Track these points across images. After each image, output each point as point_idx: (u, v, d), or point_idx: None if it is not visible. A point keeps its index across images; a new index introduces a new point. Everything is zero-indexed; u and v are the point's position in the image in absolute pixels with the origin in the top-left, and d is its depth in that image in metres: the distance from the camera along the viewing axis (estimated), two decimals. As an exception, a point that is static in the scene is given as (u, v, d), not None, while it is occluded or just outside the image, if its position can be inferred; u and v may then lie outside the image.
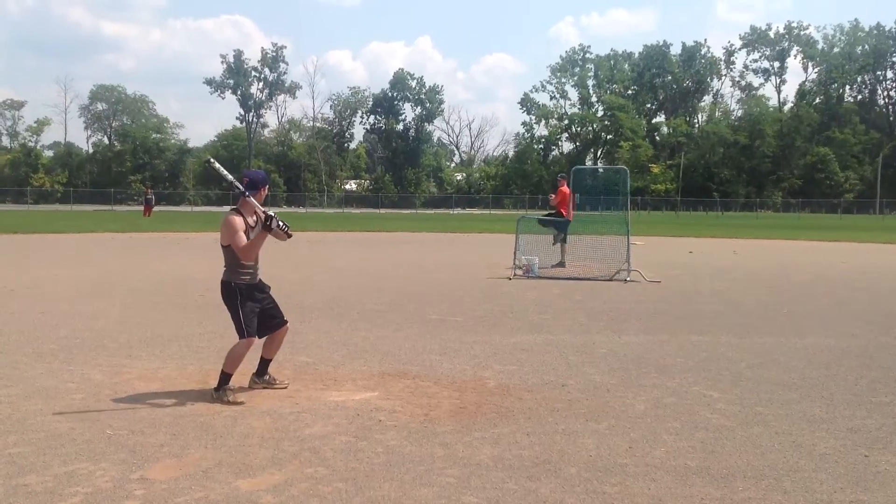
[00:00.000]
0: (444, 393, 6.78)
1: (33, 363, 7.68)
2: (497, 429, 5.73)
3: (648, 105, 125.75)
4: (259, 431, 5.58)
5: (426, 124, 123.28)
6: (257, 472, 4.79)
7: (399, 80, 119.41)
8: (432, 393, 6.77)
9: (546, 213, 19.61)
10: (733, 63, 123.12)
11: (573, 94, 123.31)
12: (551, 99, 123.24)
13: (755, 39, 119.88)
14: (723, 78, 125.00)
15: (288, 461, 4.98)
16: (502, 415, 6.11)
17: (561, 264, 18.12)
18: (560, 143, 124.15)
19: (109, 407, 6.17)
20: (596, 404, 6.47)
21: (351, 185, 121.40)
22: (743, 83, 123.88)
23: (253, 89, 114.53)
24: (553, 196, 19.13)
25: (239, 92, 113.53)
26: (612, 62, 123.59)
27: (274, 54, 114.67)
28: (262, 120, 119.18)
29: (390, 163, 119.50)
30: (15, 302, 11.97)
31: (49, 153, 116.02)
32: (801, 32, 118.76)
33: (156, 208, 55.13)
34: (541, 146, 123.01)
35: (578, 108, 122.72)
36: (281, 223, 6.35)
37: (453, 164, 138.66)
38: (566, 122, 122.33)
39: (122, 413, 6.00)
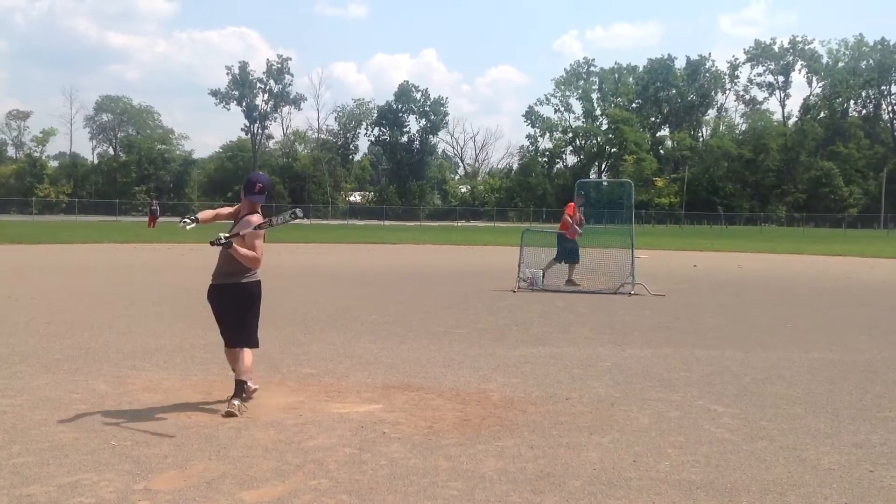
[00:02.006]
0: (448, 405, 6.78)
1: (38, 373, 7.69)
2: (501, 442, 5.72)
3: (653, 118, 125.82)
4: (263, 443, 5.58)
5: (431, 136, 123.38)
6: (261, 483, 4.78)
7: (404, 92, 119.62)
8: (436, 405, 6.77)
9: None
10: (737, 77, 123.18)
11: (577, 108, 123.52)
12: (556, 112, 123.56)
13: (759, 54, 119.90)
14: (727, 92, 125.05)
15: (292, 473, 4.97)
16: (506, 428, 6.10)
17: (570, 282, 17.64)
18: (564, 156, 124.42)
19: (113, 417, 6.17)
20: (600, 418, 6.46)
21: (355, 197, 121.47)
22: (747, 97, 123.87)
23: (258, 101, 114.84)
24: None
25: (244, 103, 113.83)
26: (616, 75, 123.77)
27: (279, 66, 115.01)
28: (267, 131, 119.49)
29: (394, 175, 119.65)
30: (19, 312, 11.99)
31: (54, 164, 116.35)
32: (806, 47, 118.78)
33: (160, 219, 55.16)
34: (545, 159, 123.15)
35: (583, 122, 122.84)
36: (223, 238, 6.35)
37: (457, 177, 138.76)
38: (570, 135, 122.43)
39: (126, 424, 6.00)
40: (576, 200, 18.23)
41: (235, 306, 6.64)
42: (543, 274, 17.40)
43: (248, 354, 6.54)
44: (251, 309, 6.72)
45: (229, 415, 6.23)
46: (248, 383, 6.59)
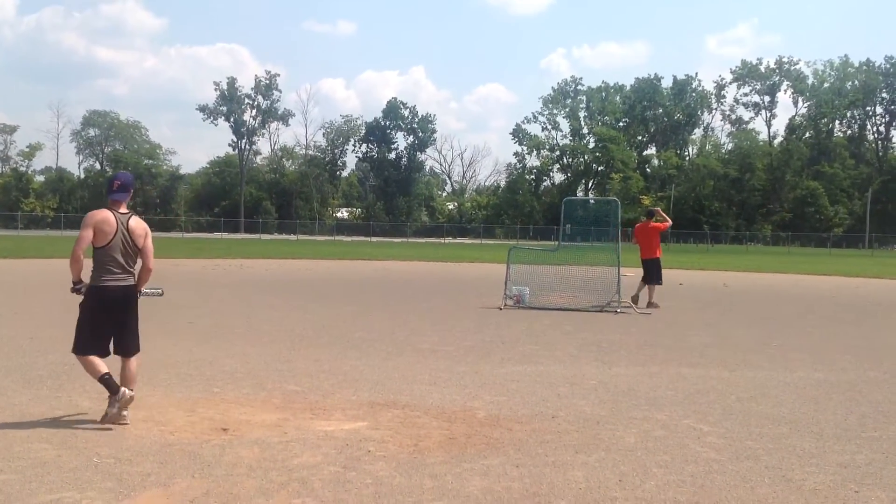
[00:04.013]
0: (433, 423, 6.75)
1: (21, 389, 7.63)
2: (486, 460, 5.70)
3: (639, 137, 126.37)
4: (247, 461, 5.54)
5: (418, 153, 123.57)
6: (245, 502, 4.74)
7: (392, 109, 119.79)
8: (422, 423, 6.75)
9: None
10: (724, 97, 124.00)
11: (565, 126, 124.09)
12: (543, 130, 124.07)
13: (746, 74, 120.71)
14: (713, 111, 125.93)
15: (276, 491, 4.94)
16: (492, 446, 6.08)
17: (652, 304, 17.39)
18: (551, 173, 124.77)
19: (96, 435, 6.12)
20: (586, 436, 6.45)
21: (342, 213, 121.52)
22: (733, 117, 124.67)
23: (246, 116, 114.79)
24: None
25: (232, 119, 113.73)
26: (603, 94, 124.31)
27: (267, 82, 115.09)
28: (254, 147, 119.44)
29: (382, 191, 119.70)
30: (3, 327, 11.90)
31: (40, 178, 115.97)
32: (792, 67, 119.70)
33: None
34: (532, 176, 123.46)
35: (570, 140, 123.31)
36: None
37: (445, 194, 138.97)
38: (558, 152, 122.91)
39: (109, 441, 5.95)
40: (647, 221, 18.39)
41: (132, 309, 6.84)
42: (650, 302, 17.35)
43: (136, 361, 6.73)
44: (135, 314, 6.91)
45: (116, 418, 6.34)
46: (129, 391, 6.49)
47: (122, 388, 6.40)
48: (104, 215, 6.47)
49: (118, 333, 6.68)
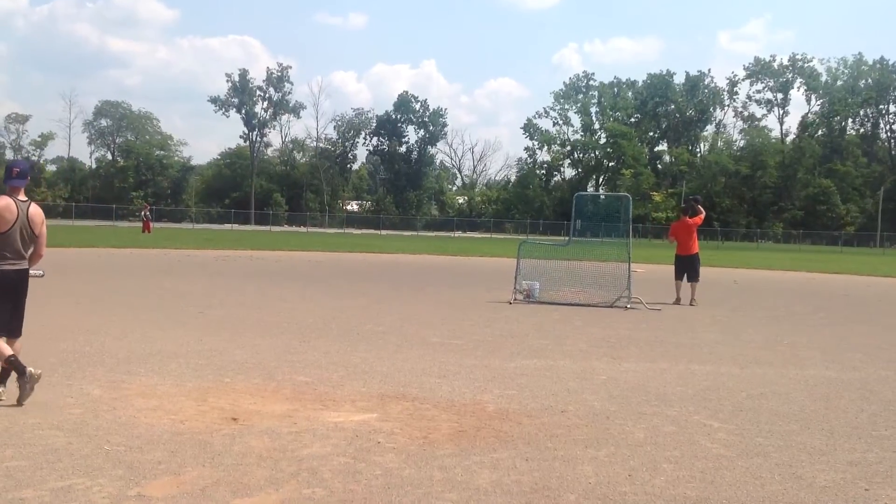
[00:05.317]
0: (443, 416, 6.76)
1: (32, 377, 7.65)
2: (496, 453, 5.70)
3: (651, 133, 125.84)
4: (257, 451, 5.56)
5: (429, 147, 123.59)
6: (255, 491, 4.76)
7: (403, 103, 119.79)
8: (431, 416, 6.75)
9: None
10: (736, 93, 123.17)
11: (576, 121, 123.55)
12: (554, 125, 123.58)
13: (759, 70, 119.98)
14: (725, 108, 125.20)
15: (286, 481, 4.95)
16: (501, 439, 6.09)
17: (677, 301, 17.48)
18: (562, 168, 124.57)
19: (107, 422, 6.15)
20: (595, 431, 6.45)
21: (353, 206, 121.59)
22: (746, 114, 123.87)
23: (257, 108, 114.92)
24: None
25: (243, 111, 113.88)
26: (615, 90, 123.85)
27: (279, 74, 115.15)
28: (265, 139, 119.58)
29: (392, 184, 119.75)
30: (15, 315, 11.93)
31: (52, 168, 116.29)
32: (805, 65, 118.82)
33: (158, 224, 55.12)
34: (543, 171, 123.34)
35: (581, 135, 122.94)
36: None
37: (455, 187, 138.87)
38: (569, 148, 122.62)
39: (120, 429, 5.98)
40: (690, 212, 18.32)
41: (24, 292, 7.02)
42: (692, 299, 17.44)
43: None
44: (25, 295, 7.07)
45: None
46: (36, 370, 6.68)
47: (28, 368, 6.55)
48: (6, 202, 6.62)
49: (10, 315, 6.86)
